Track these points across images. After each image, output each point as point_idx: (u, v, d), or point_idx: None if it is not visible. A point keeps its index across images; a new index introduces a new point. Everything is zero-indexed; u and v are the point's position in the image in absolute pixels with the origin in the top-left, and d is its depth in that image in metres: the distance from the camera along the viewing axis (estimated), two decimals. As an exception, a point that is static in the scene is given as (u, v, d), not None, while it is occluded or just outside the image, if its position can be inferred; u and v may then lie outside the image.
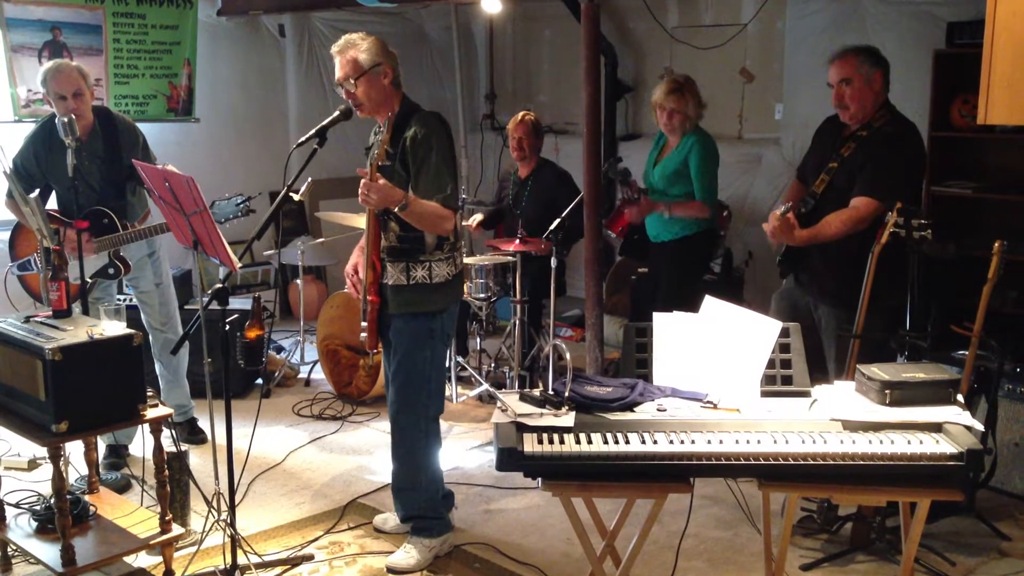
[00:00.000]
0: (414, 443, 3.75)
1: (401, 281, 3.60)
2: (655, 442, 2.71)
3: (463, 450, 4.94)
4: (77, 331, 3.28)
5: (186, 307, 5.25)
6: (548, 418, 2.82)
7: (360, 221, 4.84)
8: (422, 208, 3.47)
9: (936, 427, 2.76)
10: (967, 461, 2.62)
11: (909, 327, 3.64)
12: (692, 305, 3.16)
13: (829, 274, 3.98)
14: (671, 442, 2.71)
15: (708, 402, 2.91)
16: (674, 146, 4.98)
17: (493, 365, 5.90)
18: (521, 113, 5.93)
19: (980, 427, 2.77)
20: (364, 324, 3.65)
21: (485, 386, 5.53)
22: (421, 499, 3.80)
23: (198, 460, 4.57)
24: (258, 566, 3.66)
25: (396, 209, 3.43)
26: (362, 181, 3.39)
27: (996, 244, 3.69)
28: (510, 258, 5.43)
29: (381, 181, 3.40)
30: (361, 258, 3.86)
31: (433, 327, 3.66)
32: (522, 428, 2.78)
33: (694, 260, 5.12)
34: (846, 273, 3.86)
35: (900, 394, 2.83)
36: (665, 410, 2.87)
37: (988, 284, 3.73)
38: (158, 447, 3.44)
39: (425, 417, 3.73)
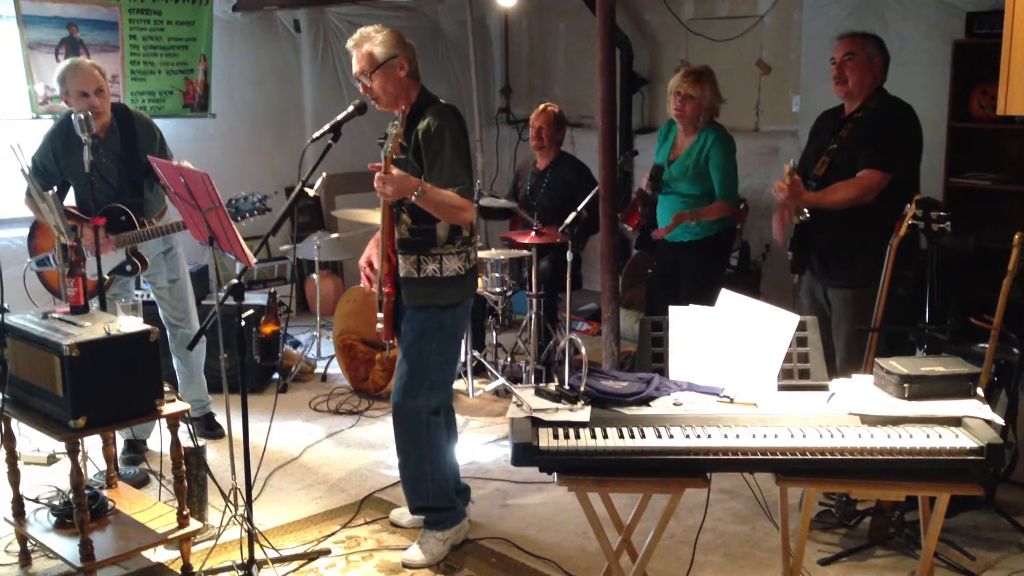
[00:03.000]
0: (415, 434, 3.72)
1: (412, 274, 3.60)
2: (671, 437, 2.70)
3: (479, 445, 4.94)
4: (94, 327, 3.29)
5: (203, 303, 5.26)
6: (563, 413, 2.81)
7: (375, 216, 4.84)
8: (439, 196, 3.45)
9: (955, 421, 2.73)
10: (987, 455, 2.60)
11: (928, 320, 3.62)
12: (713, 303, 3.14)
13: (834, 257, 4.08)
14: (687, 436, 2.70)
15: (724, 396, 2.90)
16: (690, 141, 4.89)
17: (509, 359, 5.90)
18: (544, 104, 5.94)
19: (1000, 421, 2.75)
20: (380, 315, 3.66)
21: (501, 380, 5.53)
22: (429, 490, 3.78)
23: (215, 455, 4.59)
24: (275, 560, 3.68)
25: (413, 197, 3.41)
26: (376, 175, 3.38)
27: (1016, 236, 3.67)
28: (525, 252, 5.42)
29: (395, 171, 3.39)
30: (375, 251, 3.86)
31: (443, 320, 3.65)
32: (537, 423, 2.78)
33: (716, 259, 5.08)
34: (849, 255, 4.00)
35: (919, 388, 2.81)
36: (681, 404, 2.85)
37: (1008, 276, 3.70)
38: (175, 442, 3.45)
39: (426, 408, 3.69)
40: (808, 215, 4.06)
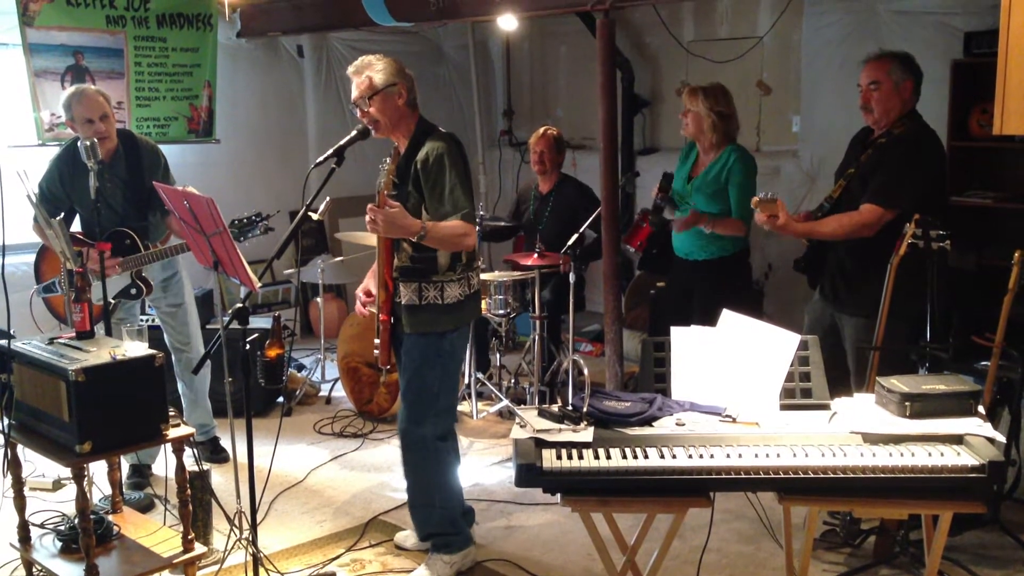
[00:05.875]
0: (424, 460, 3.75)
1: (414, 301, 3.61)
2: (674, 456, 2.71)
3: (483, 466, 4.95)
4: (100, 352, 3.31)
5: (208, 327, 5.29)
6: (567, 433, 2.82)
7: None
8: (441, 232, 3.46)
9: (957, 439, 2.74)
10: (989, 473, 2.61)
11: (930, 338, 3.62)
12: None
13: (845, 284, 4.00)
14: (690, 456, 2.71)
15: (727, 416, 2.91)
16: (710, 160, 4.78)
17: (513, 381, 5.91)
18: (543, 128, 5.97)
19: (1002, 439, 2.76)
20: (377, 341, 3.68)
21: (505, 402, 5.54)
22: (437, 515, 3.80)
23: (220, 479, 4.60)
24: (280, 584, 3.68)
25: (415, 238, 3.44)
26: (368, 207, 3.39)
27: (1016, 254, 3.67)
28: (529, 275, 5.44)
29: (395, 208, 3.39)
30: (374, 280, 3.88)
31: (443, 346, 3.66)
32: (541, 444, 2.79)
33: (730, 280, 4.85)
34: (860, 284, 3.90)
35: (920, 406, 2.82)
36: (684, 424, 2.87)
37: (1009, 294, 3.71)
38: (180, 466, 3.46)
39: (433, 435, 3.71)
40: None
